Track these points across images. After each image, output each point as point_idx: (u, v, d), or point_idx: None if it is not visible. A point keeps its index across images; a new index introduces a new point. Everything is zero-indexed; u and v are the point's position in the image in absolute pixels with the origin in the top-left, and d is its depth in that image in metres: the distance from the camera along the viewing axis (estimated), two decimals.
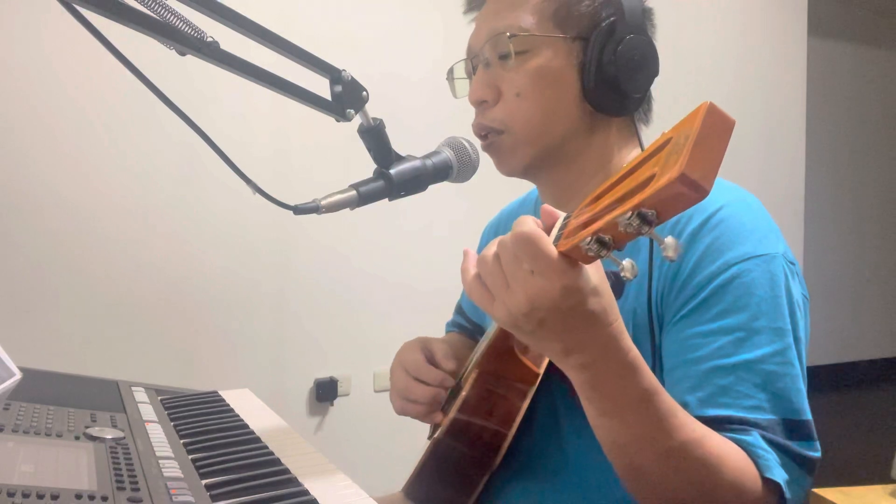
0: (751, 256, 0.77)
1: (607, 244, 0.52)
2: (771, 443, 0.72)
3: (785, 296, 0.77)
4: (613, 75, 0.84)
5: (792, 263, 0.80)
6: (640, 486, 0.71)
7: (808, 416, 0.75)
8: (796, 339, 0.77)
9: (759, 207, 0.83)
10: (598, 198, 0.55)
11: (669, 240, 0.48)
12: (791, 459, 0.72)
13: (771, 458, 0.71)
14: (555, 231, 0.60)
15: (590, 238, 0.52)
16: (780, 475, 0.70)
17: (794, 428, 0.74)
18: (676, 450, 0.67)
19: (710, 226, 0.79)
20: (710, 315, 0.76)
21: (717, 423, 0.72)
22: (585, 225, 0.54)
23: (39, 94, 1.84)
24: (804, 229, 3.31)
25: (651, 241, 0.79)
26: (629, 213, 0.48)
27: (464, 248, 0.69)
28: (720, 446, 0.69)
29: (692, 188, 0.45)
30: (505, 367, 0.86)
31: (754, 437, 0.71)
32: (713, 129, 0.46)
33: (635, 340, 0.65)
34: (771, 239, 0.79)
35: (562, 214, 0.63)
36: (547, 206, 0.64)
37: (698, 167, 0.45)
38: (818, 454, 0.74)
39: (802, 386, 0.76)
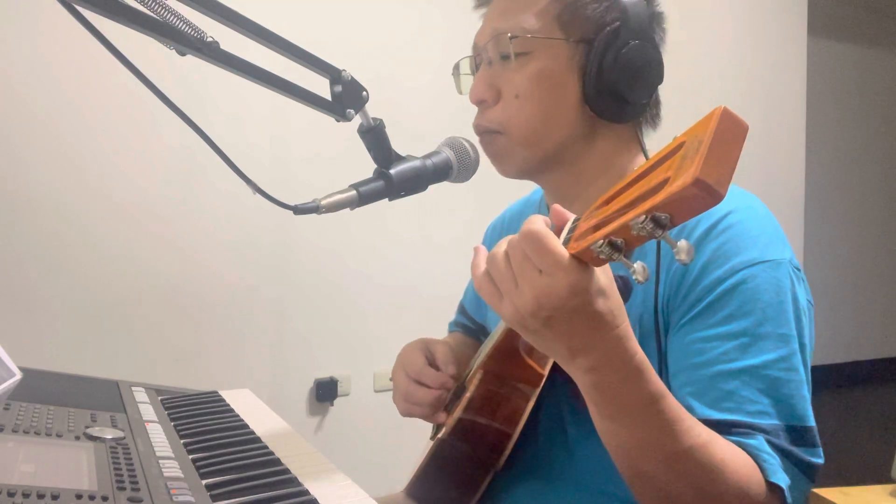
0: (757, 262, 0.76)
1: (619, 247, 0.52)
2: (775, 447, 0.72)
3: (791, 302, 0.77)
4: (614, 81, 0.83)
5: (798, 269, 0.80)
6: (647, 491, 0.71)
7: (812, 422, 0.75)
8: (801, 346, 0.77)
9: (765, 213, 0.83)
10: (609, 201, 0.55)
11: (683, 243, 0.47)
12: (794, 465, 0.73)
13: (775, 462, 0.71)
14: (564, 233, 0.60)
15: (602, 241, 0.52)
16: (783, 479, 0.70)
17: (797, 434, 0.74)
18: (682, 454, 0.67)
19: (718, 231, 0.78)
20: (716, 319, 0.76)
21: (722, 427, 0.72)
22: (597, 228, 0.53)
23: (38, 95, 1.84)
24: (804, 229, 3.31)
25: (658, 244, 0.79)
26: (643, 217, 0.48)
27: (475, 245, 0.68)
28: (725, 450, 0.69)
29: (707, 192, 0.45)
30: (510, 368, 0.86)
31: (759, 441, 0.71)
32: (727, 133, 0.46)
33: (642, 344, 0.65)
34: (777, 245, 0.79)
35: (571, 216, 0.63)
36: (557, 207, 0.64)
37: (713, 171, 0.45)
38: (821, 460, 0.75)
39: (806, 392, 0.76)
